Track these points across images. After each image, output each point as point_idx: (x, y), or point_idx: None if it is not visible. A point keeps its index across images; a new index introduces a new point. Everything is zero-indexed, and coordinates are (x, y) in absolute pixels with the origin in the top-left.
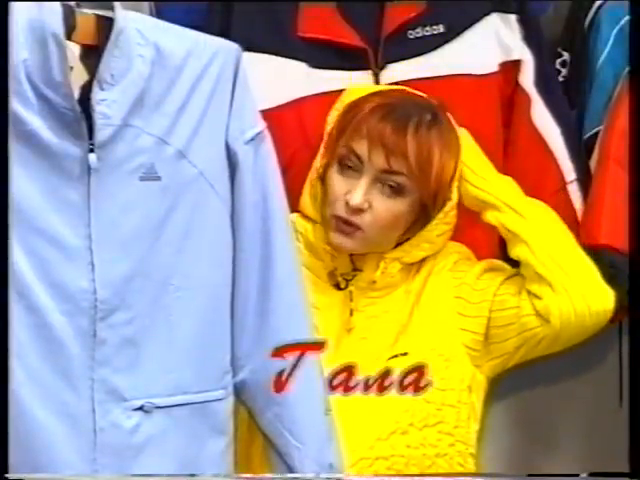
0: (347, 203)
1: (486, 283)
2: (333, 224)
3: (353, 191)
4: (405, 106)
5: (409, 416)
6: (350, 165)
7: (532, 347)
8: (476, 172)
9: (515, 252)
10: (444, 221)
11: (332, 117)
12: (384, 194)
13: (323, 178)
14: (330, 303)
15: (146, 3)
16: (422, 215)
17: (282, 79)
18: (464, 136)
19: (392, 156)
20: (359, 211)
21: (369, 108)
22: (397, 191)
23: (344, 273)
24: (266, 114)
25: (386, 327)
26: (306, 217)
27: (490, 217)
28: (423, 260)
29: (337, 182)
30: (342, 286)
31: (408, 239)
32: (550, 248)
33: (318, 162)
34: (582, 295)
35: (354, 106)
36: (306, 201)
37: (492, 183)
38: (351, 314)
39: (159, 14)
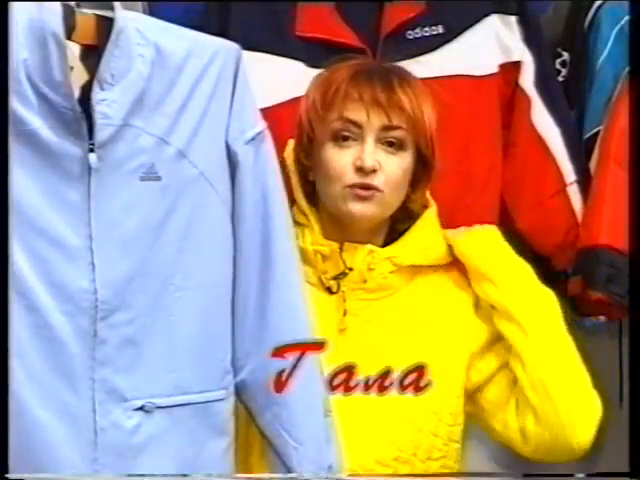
0: (358, 169)
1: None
2: (348, 194)
3: (362, 155)
4: (379, 68)
5: (412, 447)
6: (347, 135)
7: None
8: (488, 277)
9: (511, 365)
10: (433, 224)
11: (306, 106)
12: (388, 152)
13: (309, 165)
14: (323, 308)
15: (139, 3)
16: (423, 169)
17: (280, 78)
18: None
19: (391, 111)
20: (373, 172)
21: (349, 76)
22: (398, 147)
23: (336, 275)
24: (263, 113)
25: (384, 333)
26: (296, 223)
27: (498, 323)
28: (435, 279)
29: (337, 156)
30: (334, 290)
31: (395, 239)
32: (543, 373)
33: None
34: (562, 427)
35: (330, 83)
36: (294, 207)
37: (503, 289)
38: (344, 314)
39: (152, 14)
